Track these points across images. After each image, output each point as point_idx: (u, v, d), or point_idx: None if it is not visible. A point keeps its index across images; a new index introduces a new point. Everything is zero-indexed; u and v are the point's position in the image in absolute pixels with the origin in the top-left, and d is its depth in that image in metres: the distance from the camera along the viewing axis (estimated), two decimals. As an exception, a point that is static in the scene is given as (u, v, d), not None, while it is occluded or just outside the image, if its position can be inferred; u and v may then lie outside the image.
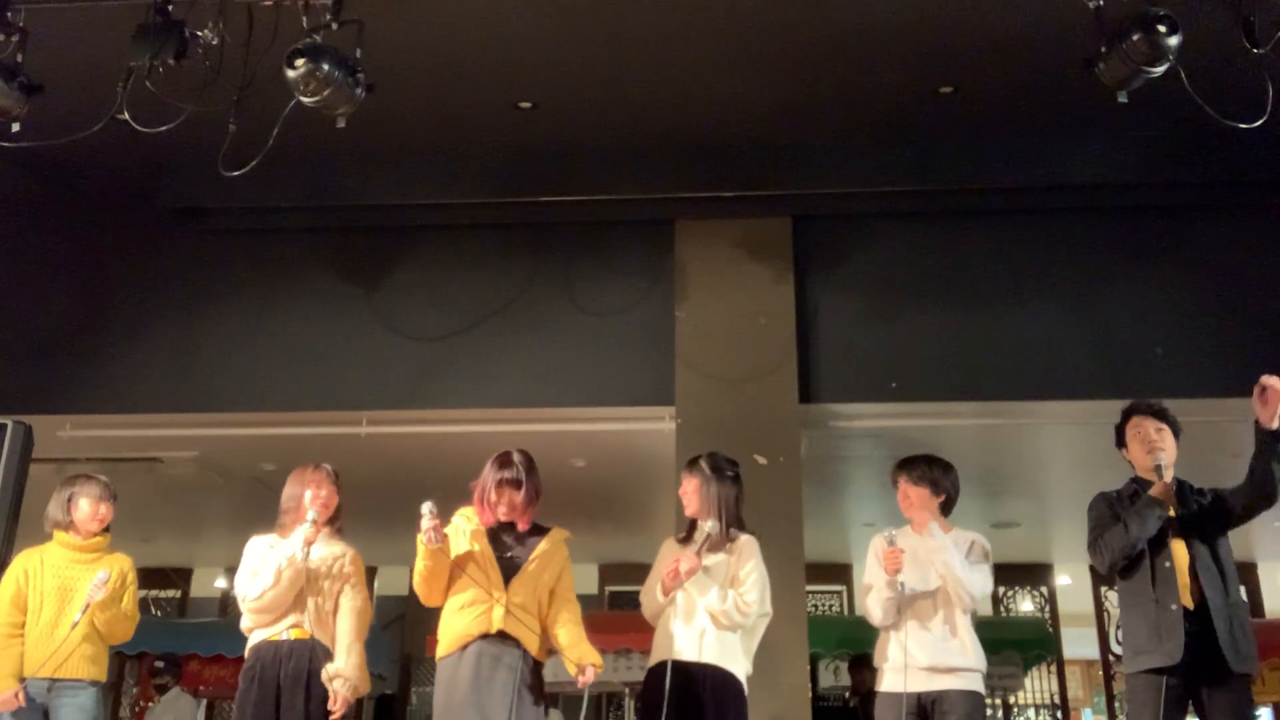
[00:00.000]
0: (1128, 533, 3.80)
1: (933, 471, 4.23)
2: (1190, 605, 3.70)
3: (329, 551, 4.29)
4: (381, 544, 9.60)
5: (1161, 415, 4.03)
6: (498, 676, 3.80)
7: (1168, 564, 3.76)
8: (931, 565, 4.08)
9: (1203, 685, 3.69)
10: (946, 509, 4.26)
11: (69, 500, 4.52)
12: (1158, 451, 3.88)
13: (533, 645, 3.93)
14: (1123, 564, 3.86)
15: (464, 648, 3.85)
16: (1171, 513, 3.86)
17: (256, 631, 4.20)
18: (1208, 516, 3.85)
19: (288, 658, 4.11)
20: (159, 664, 8.20)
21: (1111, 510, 3.96)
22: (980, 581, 4.09)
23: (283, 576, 4.10)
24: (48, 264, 6.48)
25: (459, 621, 3.91)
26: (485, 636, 3.84)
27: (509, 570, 3.95)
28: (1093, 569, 10.27)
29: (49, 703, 4.30)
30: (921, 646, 4.00)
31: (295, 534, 4.19)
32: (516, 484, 4.05)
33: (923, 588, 4.07)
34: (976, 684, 4.02)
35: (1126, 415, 4.07)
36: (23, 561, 4.48)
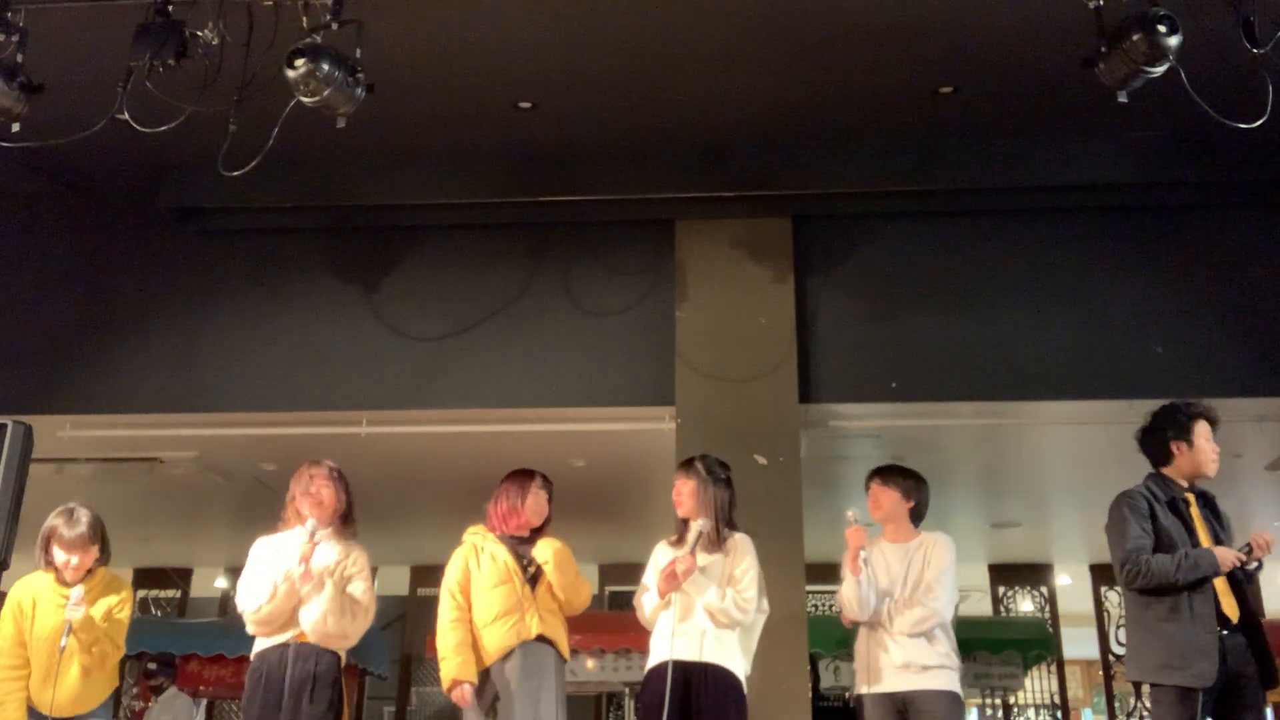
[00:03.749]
0: (1175, 572, 3.77)
1: (905, 480, 4.35)
2: (1234, 618, 3.73)
3: (335, 553, 4.30)
4: (381, 544, 9.63)
5: (1217, 425, 4.07)
6: (540, 681, 4.15)
7: (1207, 585, 3.77)
8: (898, 574, 4.17)
9: (1234, 697, 3.72)
10: (916, 518, 4.33)
11: (46, 540, 4.35)
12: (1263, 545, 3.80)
13: (563, 645, 4.30)
14: None
15: (505, 658, 4.16)
16: (1201, 527, 3.88)
17: (260, 638, 4.25)
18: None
19: (293, 661, 4.13)
20: (151, 666, 8.18)
21: (1150, 518, 3.92)
22: (917, 613, 4.07)
23: (279, 592, 4.15)
24: (48, 264, 6.47)
25: (494, 633, 4.21)
26: (523, 643, 4.17)
27: (533, 580, 4.30)
28: (1093, 569, 10.29)
29: None
30: (893, 643, 4.04)
31: (293, 543, 4.23)
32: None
33: (890, 596, 4.12)
34: (950, 682, 4.05)
35: (1197, 416, 4.06)
36: (17, 595, 4.38)
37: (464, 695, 4.13)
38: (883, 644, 4.10)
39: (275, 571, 4.17)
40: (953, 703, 4.02)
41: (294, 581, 4.14)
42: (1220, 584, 3.76)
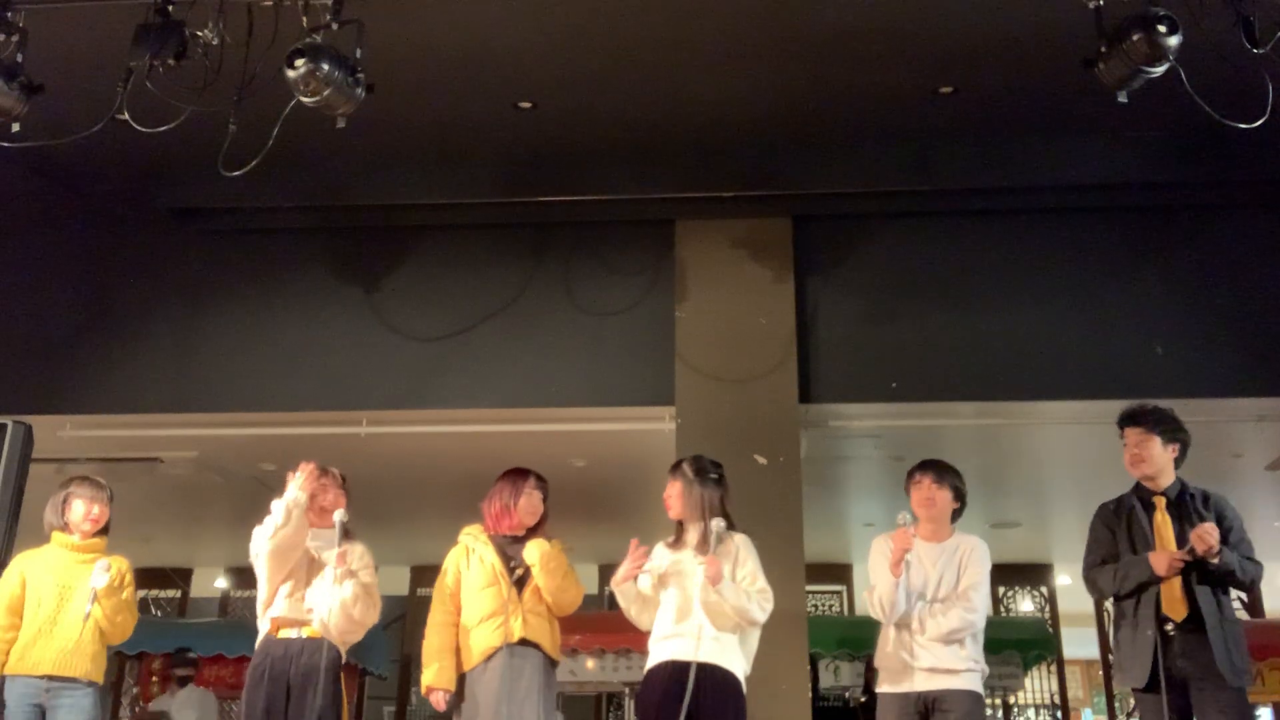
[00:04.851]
0: (1113, 583, 3.89)
1: (958, 480, 4.23)
2: (1177, 619, 3.72)
3: (338, 549, 4.32)
4: (381, 544, 9.61)
5: (1141, 421, 3.98)
6: (521, 684, 4.08)
7: (1150, 587, 3.80)
8: (932, 575, 4.11)
9: (1197, 697, 3.72)
10: (956, 516, 4.28)
11: (64, 502, 4.54)
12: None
13: (550, 647, 4.23)
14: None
15: (488, 660, 4.12)
16: (1164, 530, 3.87)
17: (264, 622, 4.27)
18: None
19: (299, 655, 4.16)
20: (191, 654, 8.32)
21: (1108, 529, 3.99)
22: (954, 623, 4.04)
23: (292, 517, 4.17)
24: (48, 264, 6.48)
25: (480, 635, 4.16)
26: (508, 646, 4.12)
27: (520, 581, 4.25)
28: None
29: (46, 703, 4.29)
30: (921, 647, 4.01)
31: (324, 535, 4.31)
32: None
33: (923, 598, 4.09)
34: (975, 683, 4.03)
35: (1119, 426, 4.06)
36: (20, 564, 4.49)
37: (439, 701, 4.15)
38: (909, 646, 4.04)
39: (283, 500, 4.21)
40: (975, 702, 4.00)
41: (301, 506, 4.18)
42: (1171, 583, 3.75)
